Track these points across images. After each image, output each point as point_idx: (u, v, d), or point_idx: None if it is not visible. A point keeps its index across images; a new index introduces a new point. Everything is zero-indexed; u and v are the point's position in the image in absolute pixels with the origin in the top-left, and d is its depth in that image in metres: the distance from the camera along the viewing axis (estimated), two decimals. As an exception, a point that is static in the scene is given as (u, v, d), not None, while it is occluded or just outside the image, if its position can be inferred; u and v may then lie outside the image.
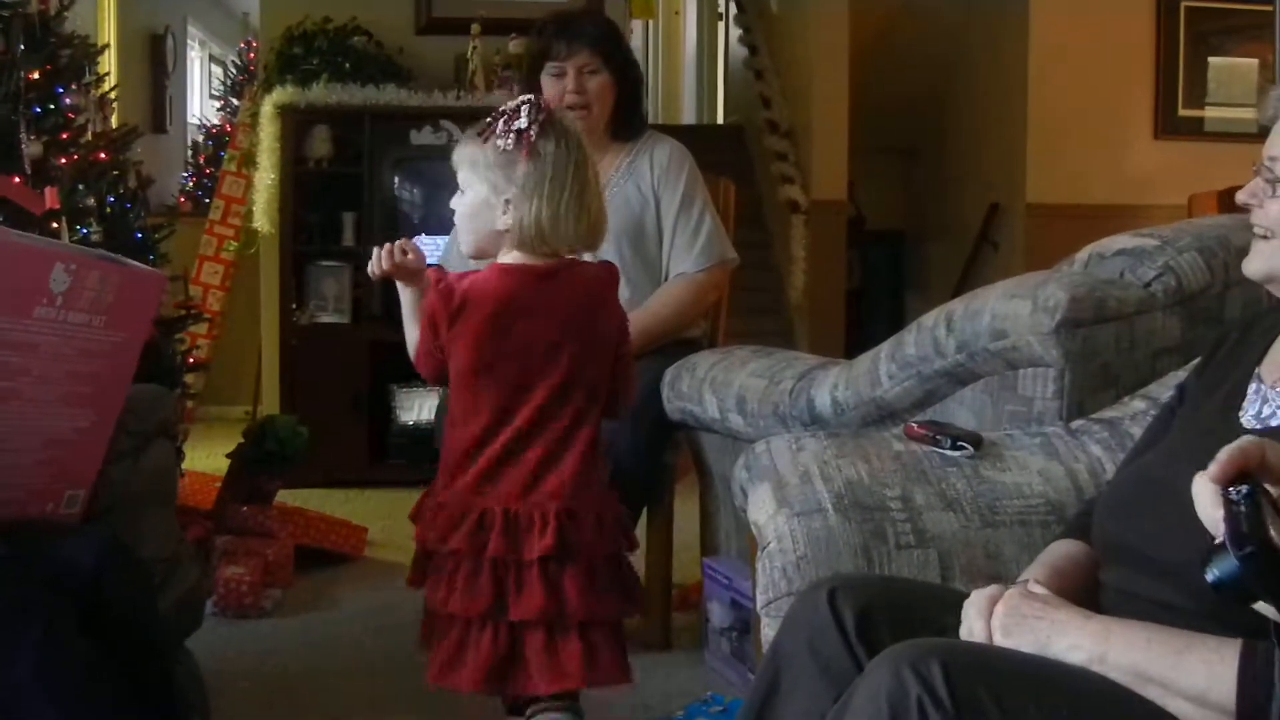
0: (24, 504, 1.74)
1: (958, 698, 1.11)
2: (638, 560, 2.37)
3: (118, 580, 1.69)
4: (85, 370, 1.74)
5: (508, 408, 2.03)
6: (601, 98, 2.96)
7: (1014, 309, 2.01)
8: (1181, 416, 1.52)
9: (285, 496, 3.85)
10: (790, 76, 6.75)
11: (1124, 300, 2.00)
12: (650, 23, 10.44)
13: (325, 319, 5.04)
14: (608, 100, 2.97)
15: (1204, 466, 1.12)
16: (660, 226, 2.99)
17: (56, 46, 3.15)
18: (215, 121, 8.17)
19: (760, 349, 2.68)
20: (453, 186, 2.10)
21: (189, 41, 8.15)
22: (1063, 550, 1.46)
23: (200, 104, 8.51)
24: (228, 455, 3.71)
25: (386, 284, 2.21)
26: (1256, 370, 1.44)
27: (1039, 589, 1.30)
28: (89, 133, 3.23)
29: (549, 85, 2.93)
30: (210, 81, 8.78)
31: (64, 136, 3.09)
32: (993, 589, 1.30)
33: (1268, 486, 1.10)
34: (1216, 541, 1.08)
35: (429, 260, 2.20)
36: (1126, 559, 1.34)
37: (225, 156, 6.19)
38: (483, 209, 2.04)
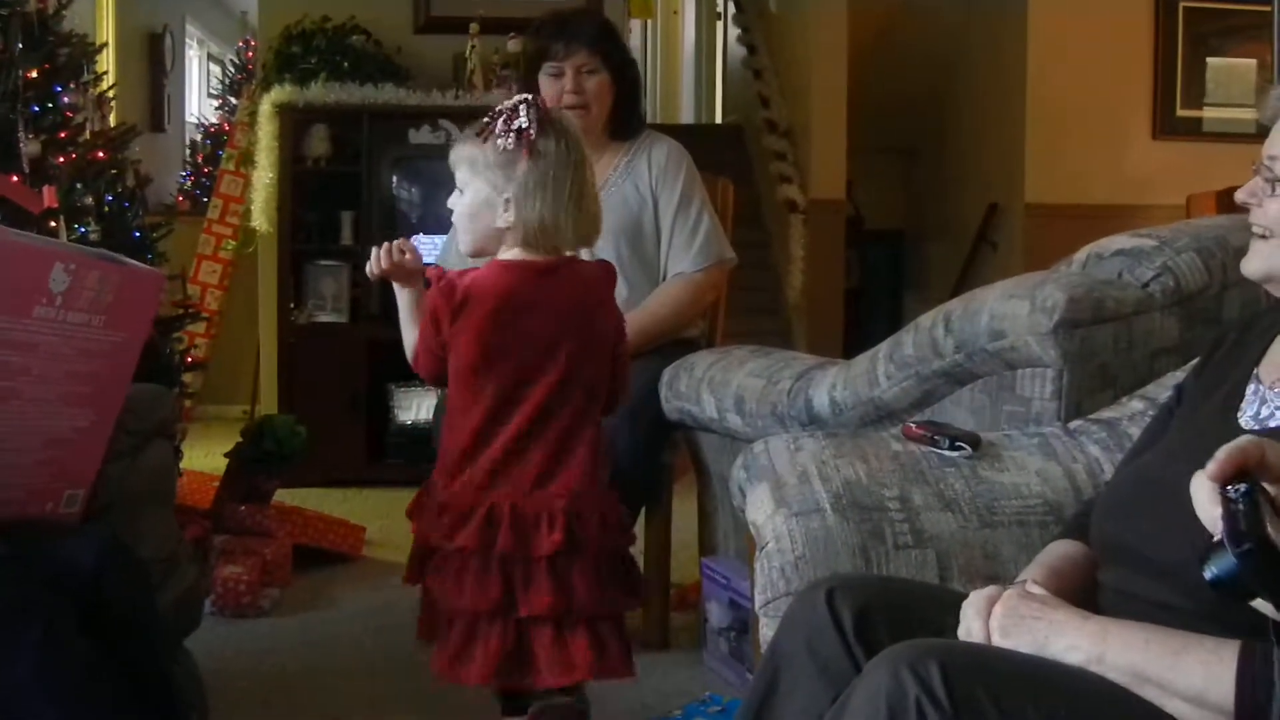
0: (24, 504, 1.74)
1: (956, 698, 1.11)
2: (636, 560, 2.37)
3: (117, 580, 1.69)
4: (85, 370, 1.74)
5: (507, 405, 2.03)
6: (599, 97, 2.95)
7: (1012, 309, 2.01)
8: (1180, 417, 1.52)
9: (283, 496, 3.85)
10: (789, 76, 6.75)
11: (1122, 301, 2.00)
12: (648, 22, 10.41)
13: (323, 318, 5.03)
14: (606, 100, 2.97)
15: (1202, 467, 1.12)
16: (658, 226, 2.99)
17: (55, 45, 3.15)
18: (213, 120, 8.16)
19: (758, 349, 2.68)
20: (451, 186, 2.10)
21: (187, 40, 8.14)
22: (1061, 551, 1.47)
23: (198, 103, 8.50)
24: (226, 455, 3.71)
25: (385, 283, 2.21)
26: (1255, 371, 1.44)
27: (1037, 589, 1.30)
28: (87, 131, 3.22)
29: (547, 85, 2.93)
30: (208, 80, 8.77)
31: (62, 135, 3.08)
32: (991, 589, 1.30)
33: (1266, 485, 1.10)
34: (1215, 539, 1.08)
35: (427, 259, 2.20)
36: (1125, 559, 1.34)
37: (223, 155, 6.19)
38: (483, 208, 2.05)
